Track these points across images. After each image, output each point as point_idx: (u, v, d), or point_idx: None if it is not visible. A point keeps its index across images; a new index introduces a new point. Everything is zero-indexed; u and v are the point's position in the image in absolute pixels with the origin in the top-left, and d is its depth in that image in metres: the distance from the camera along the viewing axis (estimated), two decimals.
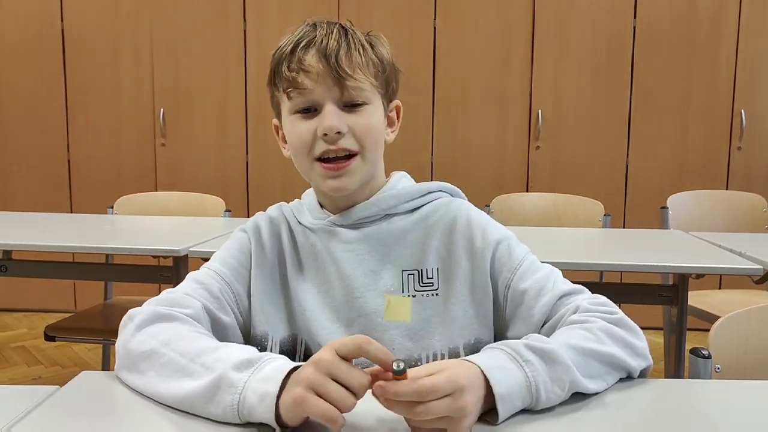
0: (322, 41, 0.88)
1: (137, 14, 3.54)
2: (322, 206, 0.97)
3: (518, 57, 3.45)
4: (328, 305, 0.92)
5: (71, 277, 3.22)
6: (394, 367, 0.62)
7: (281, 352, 0.92)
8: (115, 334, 0.83)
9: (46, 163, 3.66)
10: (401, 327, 0.90)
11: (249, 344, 0.92)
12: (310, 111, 0.89)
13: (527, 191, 3.41)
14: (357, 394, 0.64)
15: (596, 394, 0.76)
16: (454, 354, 0.89)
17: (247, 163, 3.59)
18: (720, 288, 3.21)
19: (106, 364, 2.48)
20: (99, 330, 2.22)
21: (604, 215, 2.38)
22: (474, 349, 0.89)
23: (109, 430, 0.68)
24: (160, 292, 0.89)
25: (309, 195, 1.00)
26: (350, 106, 0.89)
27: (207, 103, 3.58)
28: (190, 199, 2.61)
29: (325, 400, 0.62)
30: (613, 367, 0.78)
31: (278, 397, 0.66)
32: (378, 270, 0.92)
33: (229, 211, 2.47)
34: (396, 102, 0.98)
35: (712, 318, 2.13)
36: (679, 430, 0.70)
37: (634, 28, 3.40)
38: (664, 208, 2.51)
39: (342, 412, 0.62)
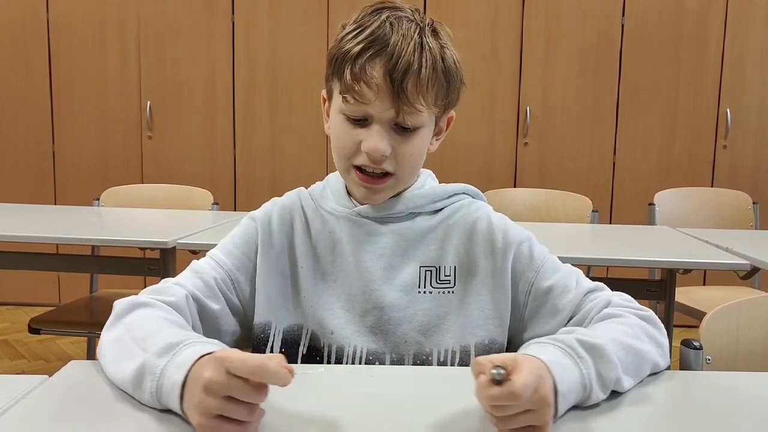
0: (393, 54, 0.82)
1: (124, 5, 3.50)
2: (349, 194, 0.95)
3: (507, 54, 3.46)
4: (344, 294, 0.91)
5: (56, 269, 3.19)
6: (496, 377, 0.59)
7: (285, 342, 0.92)
8: (101, 327, 0.82)
9: (29, 155, 3.60)
10: (415, 322, 0.90)
11: (251, 334, 0.92)
12: (360, 120, 0.87)
13: (515, 187, 3.42)
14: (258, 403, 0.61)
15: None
16: (465, 352, 0.89)
17: (234, 156, 3.57)
18: (704, 285, 3.24)
19: (91, 357, 2.45)
20: (84, 323, 2.19)
21: (592, 211, 2.39)
22: (486, 349, 0.89)
23: (100, 419, 0.67)
24: (146, 284, 0.88)
25: (336, 180, 0.97)
26: (401, 127, 0.86)
27: (194, 97, 3.55)
28: (177, 191, 2.58)
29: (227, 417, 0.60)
30: (647, 364, 0.78)
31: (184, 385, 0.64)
32: (397, 265, 0.92)
33: (217, 204, 2.45)
34: (450, 113, 0.95)
35: (697, 314, 2.15)
36: (680, 420, 0.70)
37: (623, 26, 3.42)
38: (651, 204, 2.53)
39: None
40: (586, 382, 0.69)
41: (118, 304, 0.81)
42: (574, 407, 0.70)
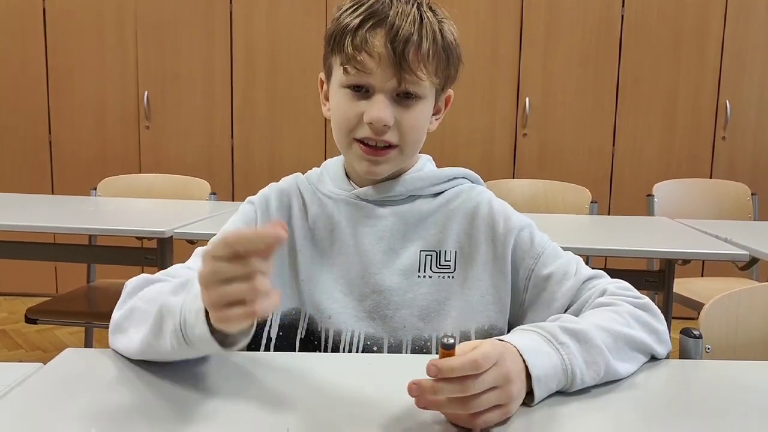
0: (394, 24, 0.83)
1: None
2: (348, 177, 0.95)
3: (507, 45, 3.45)
4: (343, 277, 0.91)
5: (53, 259, 3.18)
6: (445, 342, 0.59)
7: (282, 326, 0.92)
8: (99, 317, 0.83)
9: (27, 145, 3.59)
10: (414, 307, 0.90)
11: None
12: (362, 90, 0.86)
13: (514, 178, 3.42)
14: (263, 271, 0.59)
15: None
16: (465, 338, 0.89)
17: (232, 146, 3.56)
18: (702, 276, 3.25)
19: (89, 347, 2.45)
20: (82, 313, 2.18)
21: (591, 202, 2.39)
22: (486, 334, 0.89)
23: (96, 406, 0.66)
24: (143, 274, 0.88)
25: (335, 163, 0.98)
26: (403, 96, 0.86)
27: (192, 87, 3.53)
28: (175, 181, 2.58)
29: (236, 303, 0.59)
30: (640, 351, 0.78)
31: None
32: (397, 249, 0.91)
33: (215, 194, 2.44)
34: (449, 92, 0.95)
35: (695, 304, 2.15)
36: (679, 408, 0.70)
37: (622, 17, 3.41)
38: (650, 195, 2.52)
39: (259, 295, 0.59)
40: (567, 367, 0.69)
41: (129, 283, 0.82)
42: (568, 393, 0.70)
